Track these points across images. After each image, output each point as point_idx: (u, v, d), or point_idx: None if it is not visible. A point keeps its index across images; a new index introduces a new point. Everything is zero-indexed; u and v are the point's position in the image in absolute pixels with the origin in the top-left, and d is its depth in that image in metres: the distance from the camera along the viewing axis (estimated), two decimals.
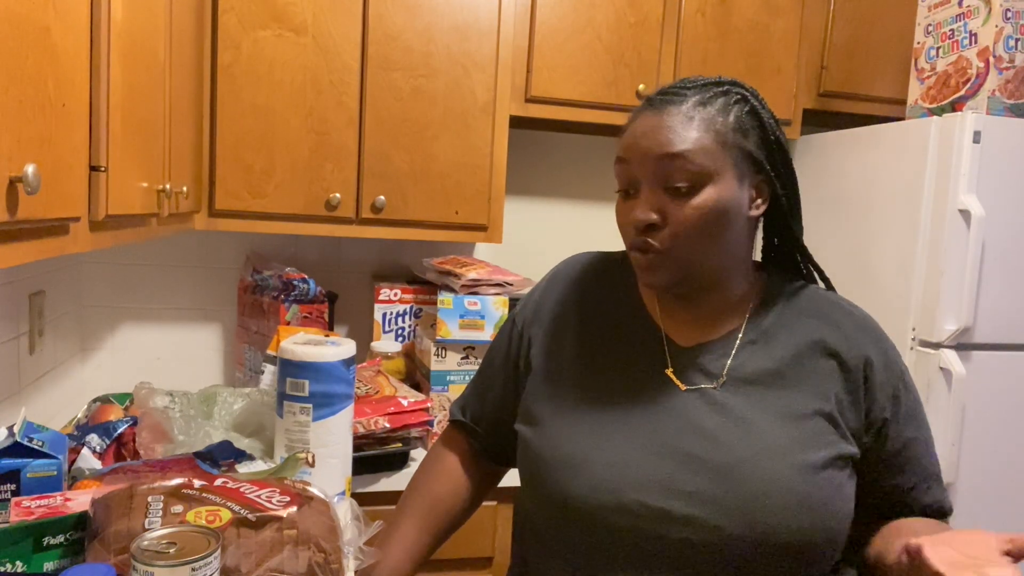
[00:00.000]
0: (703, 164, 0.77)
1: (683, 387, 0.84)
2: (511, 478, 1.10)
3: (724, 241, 0.81)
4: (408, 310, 1.87)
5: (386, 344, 1.82)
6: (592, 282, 0.95)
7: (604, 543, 0.80)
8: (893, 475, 0.85)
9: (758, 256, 0.94)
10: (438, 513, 1.00)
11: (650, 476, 0.78)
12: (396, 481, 1.52)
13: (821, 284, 0.93)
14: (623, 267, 0.95)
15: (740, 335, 0.85)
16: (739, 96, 0.81)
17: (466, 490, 1.03)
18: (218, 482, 0.87)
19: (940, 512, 0.87)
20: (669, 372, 0.85)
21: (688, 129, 0.78)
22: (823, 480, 0.77)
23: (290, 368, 1.19)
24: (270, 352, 1.53)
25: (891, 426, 0.83)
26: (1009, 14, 1.67)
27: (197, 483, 0.85)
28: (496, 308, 1.63)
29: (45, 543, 0.80)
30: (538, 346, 0.94)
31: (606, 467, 0.80)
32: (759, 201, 0.83)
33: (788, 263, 0.93)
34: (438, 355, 1.63)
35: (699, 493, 0.77)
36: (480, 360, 1.65)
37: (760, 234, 0.92)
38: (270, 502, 0.84)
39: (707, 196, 0.78)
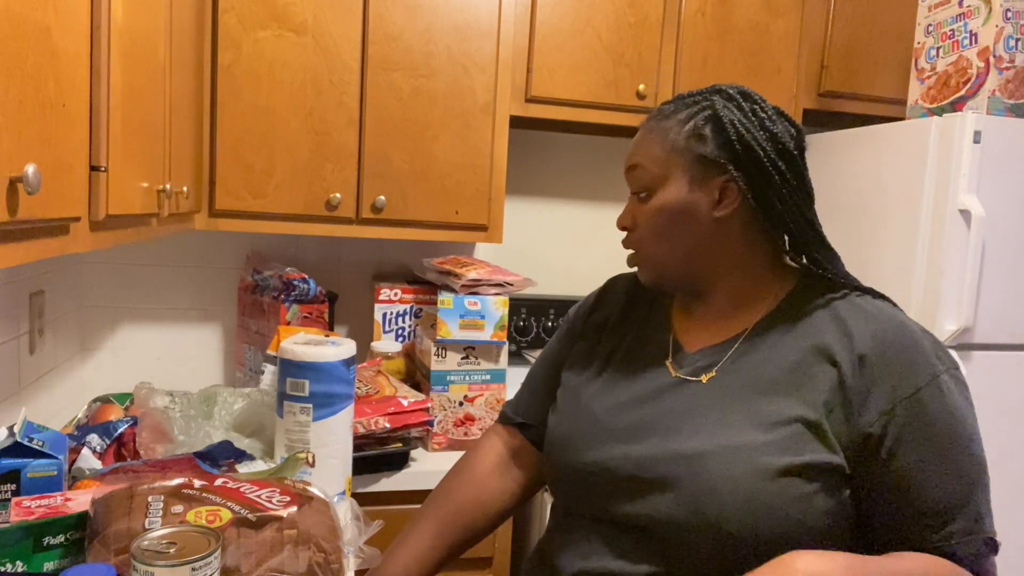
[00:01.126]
0: (652, 171, 0.87)
1: (674, 373, 0.89)
2: None
3: (683, 240, 0.87)
4: (408, 310, 1.87)
5: (386, 344, 1.82)
6: (634, 292, 1.02)
7: (586, 515, 0.87)
8: (890, 502, 0.78)
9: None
10: (458, 522, 1.00)
11: (619, 462, 0.84)
12: (396, 481, 1.52)
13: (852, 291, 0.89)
14: None
15: (743, 338, 0.87)
16: (706, 104, 0.86)
17: (493, 502, 1.03)
18: (218, 482, 0.87)
19: (950, 556, 0.76)
20: (668, 363, 0.90)
21: (645, 142, 0.89)
22: (780, 486, 0.75)
23: (290, 368, 1.19)
24: (270, 352, 1.53)
25: (883, 444, 0.77)
26: (1009, 14, 1.67)
27: (197, 483, 0.85)
28: (496, 308, 1.63)
29: (45, 543, 0.80)
30: (579, 347, 1.02)
31: (587, 449, 0.88)
32: (726, 202, 0.85)
33: (820, 269, 0.89)
34: (438, 355, 1.63)
35: (660, 481, 0.81)
36: (480, 359, 1.65)
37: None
38: (270, 502, 0.85)
39: (656, 200, 0.87)
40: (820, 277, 0.89)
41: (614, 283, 1.07)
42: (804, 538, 0.76)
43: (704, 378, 0.86)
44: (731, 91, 0.86)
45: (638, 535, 0.82)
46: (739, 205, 0.84)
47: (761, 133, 0.83)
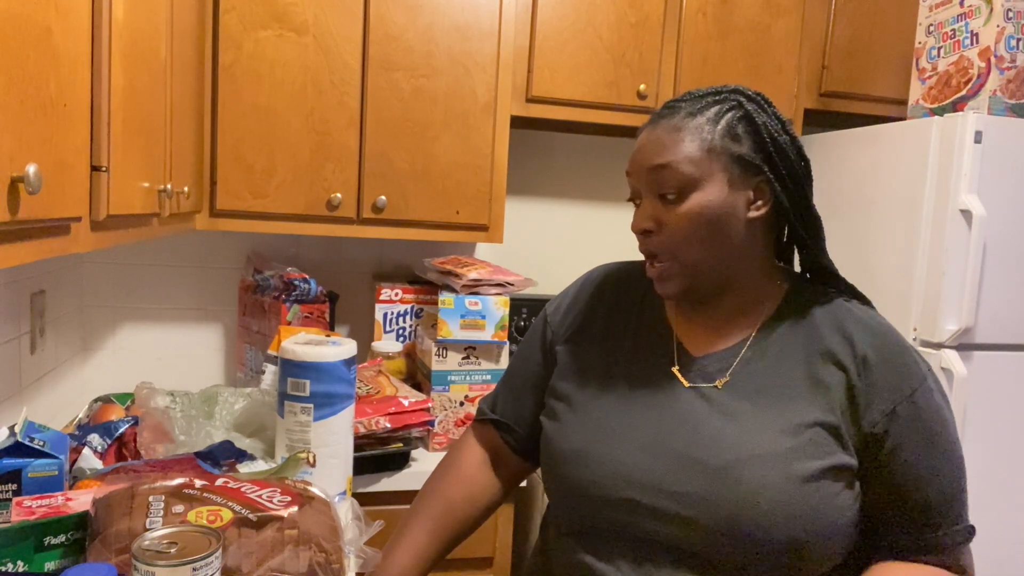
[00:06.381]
0: (688, 172, 0.82)
1: (687, 384, 0.86)
2: None
3: (722, 243, 0.83)
4: (409, 310, 1.87)
5: (387, 344, 1.82)
6: (619, 288, 0.99)
7: (605, 531, 0.85)
8: (889, 498, 0.81)
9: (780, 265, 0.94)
10: (451, 519, 1.00)
11: (643, 475, 0.82)
12: (397, 481, 1.52)
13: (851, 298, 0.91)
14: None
15: (749, 343, 0.87)
16: (734, 103, 0.84)
17: (482, 496, 1.03)
18: (219, 482, 0.87)
19: (940, 548, 0.81)
20: (675, 370, 0.88)
21: (675, 141, 0.83)
22: (814, 489, 0.77)
23: (291, 368, 1.19)
24: (271, 352, 1.53)
25: (884, 444, 0.80)
26: (1010, 14, 1.67)
27: (198, 483, 0.85)
28: (497, 308, 1.63)
29: (46, 543, 0.80)
30: (564, 346, 0.98)
31: (606, 463, 0.84)
32: (759, 203, 0.84)
33: (820, 274, 0.92)
34: (439, 355, 1.63)
35: (689, 494, 0.79)
36: (481, 359, 1.65)
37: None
38: (271, 502, 0.85)
39: (694, 202, 0.82)
40: (806, 278, 0.92)
41: (591, 278, 1.03)
42: (835, 537, 0.79)
43: (719, 383, 0.85)
44: (750, 92, 0.86)
45: (668, 549, 0.80)
46: (769, 206, 0.85)
47: (786, 137, 0.85)
